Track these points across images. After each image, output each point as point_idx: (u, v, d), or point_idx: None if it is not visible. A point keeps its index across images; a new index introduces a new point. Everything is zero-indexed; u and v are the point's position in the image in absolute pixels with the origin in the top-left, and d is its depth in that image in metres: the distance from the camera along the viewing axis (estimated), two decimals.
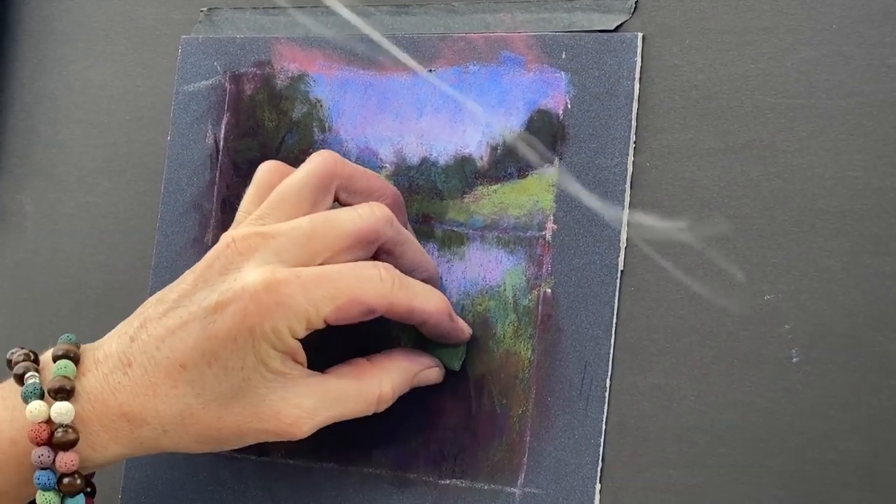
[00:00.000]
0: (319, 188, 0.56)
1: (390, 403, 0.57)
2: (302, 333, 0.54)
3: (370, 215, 0.55)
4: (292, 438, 0.55)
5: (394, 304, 0.55)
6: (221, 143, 0.66)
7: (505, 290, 0.59)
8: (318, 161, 0.57)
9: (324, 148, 0.63)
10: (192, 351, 0.54)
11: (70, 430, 0.54)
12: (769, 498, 0.54)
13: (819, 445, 0.53)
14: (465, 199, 0.60)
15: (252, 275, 0.53)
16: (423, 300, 0.56)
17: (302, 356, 0.55)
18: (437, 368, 0.59)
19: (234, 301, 0.53)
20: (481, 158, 0.60)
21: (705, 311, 0.56)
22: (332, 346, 0.58)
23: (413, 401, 0.59)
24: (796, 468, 0.54)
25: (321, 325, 0.54)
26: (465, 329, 0.58)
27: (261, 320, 0.53)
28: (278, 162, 0.59)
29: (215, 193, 0.65)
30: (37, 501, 0.55)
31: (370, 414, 0.57)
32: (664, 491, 0.56)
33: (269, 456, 0.62)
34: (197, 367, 0.54)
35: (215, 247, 0.55)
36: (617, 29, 0.59)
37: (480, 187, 0.60)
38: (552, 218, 0.58)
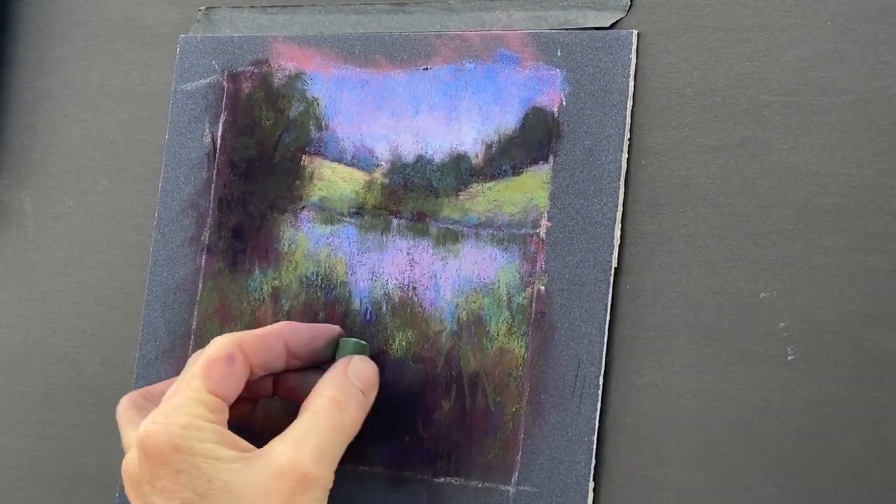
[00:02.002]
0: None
1: (356, 405, 0.56)
2: (209, 416, 0.54)
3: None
4: (315, 481, 0.54)
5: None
6: (219, 141, 0.66)
7: (499, 287, 0.59)
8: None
9: (320, 145, 0.63)
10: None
11: None
12: (765, 495, 0.54)
13: (814, 443, 0.53)
14: (461, 197, 0.60)
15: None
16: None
17: (243, 443, 0.55)
18: (355, 357, 0.58)
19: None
20: (476, 156, 0.60)
21: (700, 309, 0.56)
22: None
23: (407, 399, 0.59)
24: (792, 466, 0.54)
25: (214, 399, 0.55)
26: (322, 330, 0.59)
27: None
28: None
29: (212, 192, 0.66)
30: None
31: (353, 426, 0.56)
32: (659, 489, 0.56)
33: None
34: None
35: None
36: (612, 26, 0.59)
37: (475, 185, 0.60)
38: (546, 215, 0.58)
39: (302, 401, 0.57)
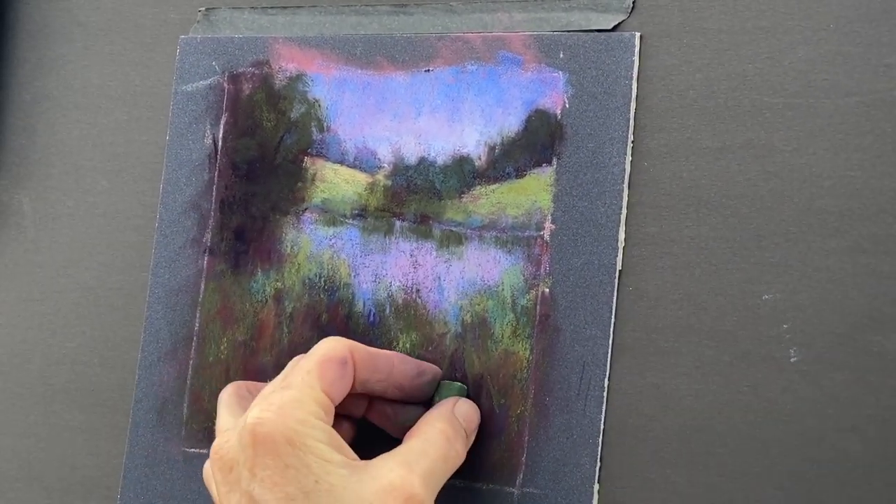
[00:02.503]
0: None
1: (463, 441, 0.56)
2: (322, 416, 0.54)
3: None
4: (420, 499, 0.53)
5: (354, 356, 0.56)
6: (220, 142, 0.66)
7: (503, 289, 0.59)
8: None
9: (322, 147, 0.63)
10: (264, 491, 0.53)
11: None
12: (768, 497, 0.54)
13: (817, 445, 0.53)
14: (464, 199, 0.60)
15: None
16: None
17: (350, 450, 0.55)
18: (461, 398, 0.58)
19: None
20: (479, 158, 0.60)
21: (703, 311, 0.56)
22: None
23: (410, 402, 0.59)
24: (794, 468, 0.54)
25: (327, 400, 0.54)
26: (428, 368, 0.59)
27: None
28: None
29: (214, 193, 0.65)
30: None
31: (457, 460, 0.56)
32: (663, 490, 0.56)
33: None
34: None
35: None
36: (615, 28, 0.59)
37: (478, 187, 0.60)
38: (550, 218, 0.58)
39: (391, 429, 0.58)
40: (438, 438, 0.55)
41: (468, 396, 0.59)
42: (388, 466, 0.53)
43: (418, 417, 0.57)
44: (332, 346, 0.56)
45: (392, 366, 0.57)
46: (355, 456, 0.54)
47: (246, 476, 0.53)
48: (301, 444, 0.52)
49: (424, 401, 0.59)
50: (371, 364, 0.56)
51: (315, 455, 0.52)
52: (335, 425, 0.56)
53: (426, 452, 0.54)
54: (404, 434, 0.57)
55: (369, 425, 0.60)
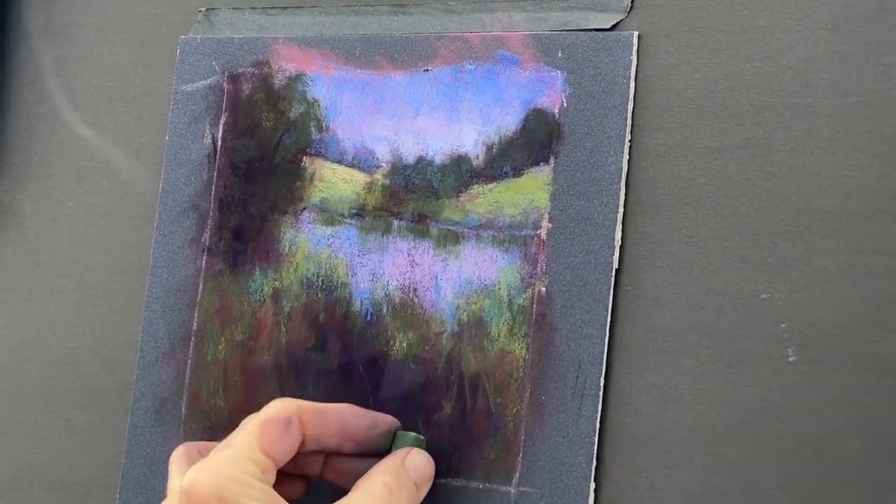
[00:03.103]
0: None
1: (409, 495, 0.56)
2: (259, 475, 0.54)
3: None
4: None
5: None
6: (219, 142, 0.66)
7: (500, 288, 0.59)
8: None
9: (321, 146, 0.63)
10: None
11: None
12: (766, 497, 0.54)
13: (815, 444, 0.53)
14: (461, 198, 0.60)
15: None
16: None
17: None
18: (414, 449, 0.58)
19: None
20: (477, 157, 0.60)
21: (701, 311, 0.56)
22: None
23: (407, 400, 0.59)
24: (793, 467, 0.54)
25: (265, 459, 0.54)
26: (382, 420, 0.59)
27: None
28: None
29: (213, 193, 0.66)
30: None
31: None
32: (660, 490, 0.56)
33: None
34: None
35: None
36: (613, 28, 0.59)
37: (476, 186, 0.60)
38: (547, 217, 0.58)
39: (349, 487, 0.57)
40: (381, 492, 0.55)
41: (427, 448, 0.58)
42: None
43: None
44: (277, 408, 0.56)
45: (344, 420, 0.57)
46: None
47: None
48: (234, 502, 0.52)
49: (381, 452, 0.58)
50: (321, 421, 0.56)
51: None
52: (285, 485, 0.57)
53: None
54: None
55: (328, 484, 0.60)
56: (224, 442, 0.55)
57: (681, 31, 0.58)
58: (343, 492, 0.56)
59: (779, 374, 0.54)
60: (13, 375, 0.70)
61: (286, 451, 0.55)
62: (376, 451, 0.58)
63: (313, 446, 0.57)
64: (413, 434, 0.58)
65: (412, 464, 0.57)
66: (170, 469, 0.59)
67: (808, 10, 0.55)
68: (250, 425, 0.55)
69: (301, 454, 0.57)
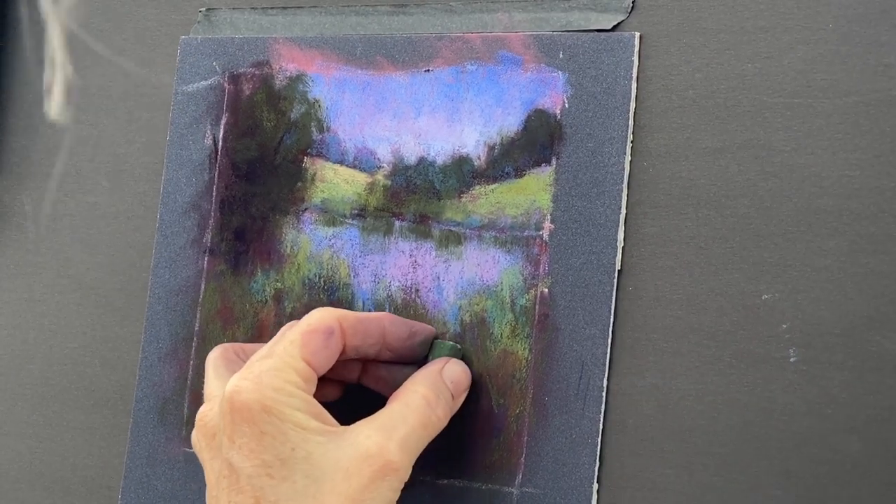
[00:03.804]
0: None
1: (445, 406, 0.56)
2: (301, 384, 0.54)
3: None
4: (396, 471, 0.53)
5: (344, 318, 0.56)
6: (220, 143, 0.66)
7: (502, 289, 0.59)
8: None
9: (322, 147, 0.63)
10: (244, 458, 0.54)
11: None
12: (767, 497, 0.54)
13: (817, 445, 0.53)
14: (463, 199, 0.60)
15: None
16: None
17: (329, 417, 0.55)
18: (451, 359, 0.58)
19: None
20: (479, 158, 0.60)
21: (702, 311, 0.56)
22: None
23: None
24: (794, 468, 0.54)
25: (307, 369, 0.54)
26: (420, 328, 0.59)
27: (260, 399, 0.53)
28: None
29: (214, 194, 0.66)
30: None
31: (438, 426, 0.56)
32: (662, 490, 0.56)
33: None
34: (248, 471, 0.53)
35: None
36: (614, 28, 0.59)
37: (478, 187, 0.60)
38: (549, 217, 0.59)
39: (386, 393, 0.57)
40: (419, 404, 0.55)
41: (462, 357, 0.59)
42: (366, 433, 0.53)
43: None
44: (318, 317, 0.56)
45: (383, 329, 0.57)
46: (335, 423, 0.54)
47: (226, 443, 0.53)
48: (277, 411, 0.53)
49: (418, 360, 0.59)
50: (361, 330, 0.57)
51: (291, 423, 0.53)
52: (321, 389, 0.57)
53: (405, 418, 0.54)
54: None
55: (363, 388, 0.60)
56: (265, 350, 0.56)
57: (682, 32, 0.58)
58: (378, 397, 0.57)
59: (780, 375, 0.54)
60: (14, 375, 0.70)
61: (327, 360, 0.55)
62: (413, 359, 0.59)
63: (353, 354, 0.57)
64: (450, 343, 0.59)
65: (449, 374, 0.57)
66: (206, 372, 0.59)
67: (809, 11, 0.55)
68: (292, 334, 0.55)
69: (340, 361, 0.57)
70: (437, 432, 0.56)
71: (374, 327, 0.57)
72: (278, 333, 0.57)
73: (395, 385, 0.57)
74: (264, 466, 0.52)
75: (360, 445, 0.53)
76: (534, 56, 0.60)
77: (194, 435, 0.56)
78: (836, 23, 0.55)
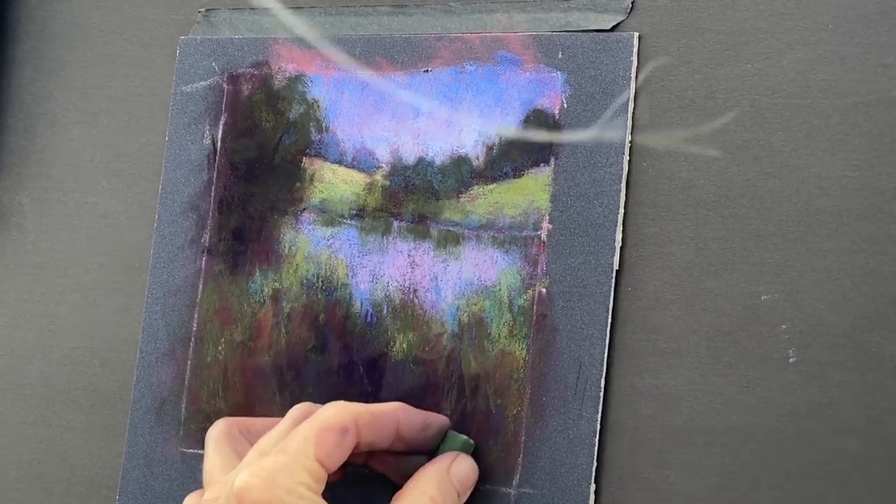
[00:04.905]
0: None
1: (452, 497, 0.56)
2: (312, 486, 0.53)
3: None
4: None
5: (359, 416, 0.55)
6: (219, 143, 0.66)
7: (500, 289, 0.59)
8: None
9: (321, 147, 0.63)
10: None
11: None
12: (766, 498, 0.54)
13: (816, 445, 0.53)
14: (461, 199, 0.60)
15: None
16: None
17: None
18: (461, 455, 0.58)
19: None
20: (477, 158, 0.60)
21: (702, 312, 0.56)
22: None
23: (408, 401, 0.59)
24: (793, 468, 0.54)
25: (320, 469, 0.54)
26: (434, 420, 0.58)
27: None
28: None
29: (213, 194, 0.66)
30: None
31: None
32: (660, 491, 0.56)
33: None
34: None
35: None
36: (613, 29, 0.59)
37: (476, 187, 0.60)
38: (548, 217, 0.58)
39: (393, 478, 0.57)
40: None
41: (473, 452, 0.58)
42: None
43: (420, 466, 0.57)
44: (334, 414, 0.55)
45: (397, 423, 0.57)
46: None
47: None
48: None
49: (428, 451, 0.58)
50: (376, 426, 0.56)
51: None
52: (332, 483, 0.56)
53: None
54: (405, 480, 0.56)
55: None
56: (275, 439, 0.55)
57: (681, 32, 0.58)
58: (382, 478, 0.57)
59: (779, 375, 0.54)
60: (13, 376, 0.70)
61: (340, 459, 0.55)
62: (424, 450, 0.58)
63: (365, 448, 0.56)
64: (463, 438, 0.58)
65: (457, 473, 0.57)
66: (207, 447, 0.58)
67: (809, 12, 0.55)
68: (306, 430, 0.54)
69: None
70: None
71: (388, 422, 0.56)
72: (288, 418, 0.57)
73: (403, 472, 0.57)
74: None
75: None
76: (533, 56, 0.60)
77: None
78: (836, 23, 0.55)
